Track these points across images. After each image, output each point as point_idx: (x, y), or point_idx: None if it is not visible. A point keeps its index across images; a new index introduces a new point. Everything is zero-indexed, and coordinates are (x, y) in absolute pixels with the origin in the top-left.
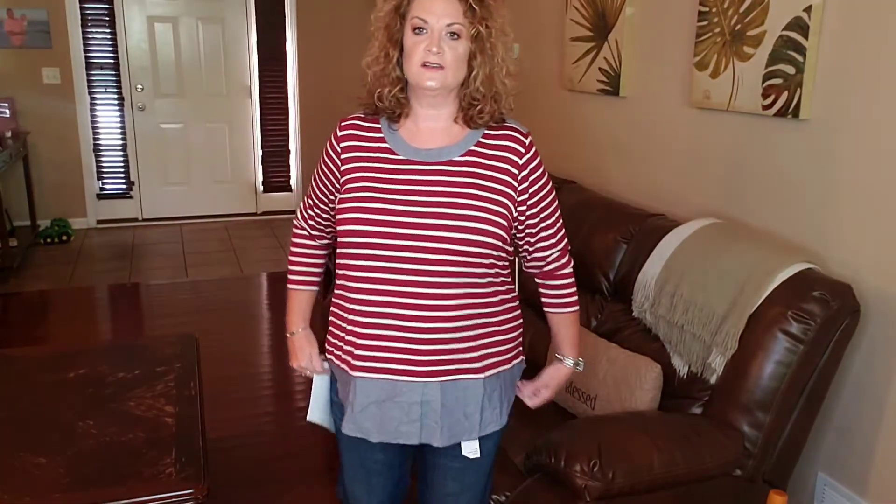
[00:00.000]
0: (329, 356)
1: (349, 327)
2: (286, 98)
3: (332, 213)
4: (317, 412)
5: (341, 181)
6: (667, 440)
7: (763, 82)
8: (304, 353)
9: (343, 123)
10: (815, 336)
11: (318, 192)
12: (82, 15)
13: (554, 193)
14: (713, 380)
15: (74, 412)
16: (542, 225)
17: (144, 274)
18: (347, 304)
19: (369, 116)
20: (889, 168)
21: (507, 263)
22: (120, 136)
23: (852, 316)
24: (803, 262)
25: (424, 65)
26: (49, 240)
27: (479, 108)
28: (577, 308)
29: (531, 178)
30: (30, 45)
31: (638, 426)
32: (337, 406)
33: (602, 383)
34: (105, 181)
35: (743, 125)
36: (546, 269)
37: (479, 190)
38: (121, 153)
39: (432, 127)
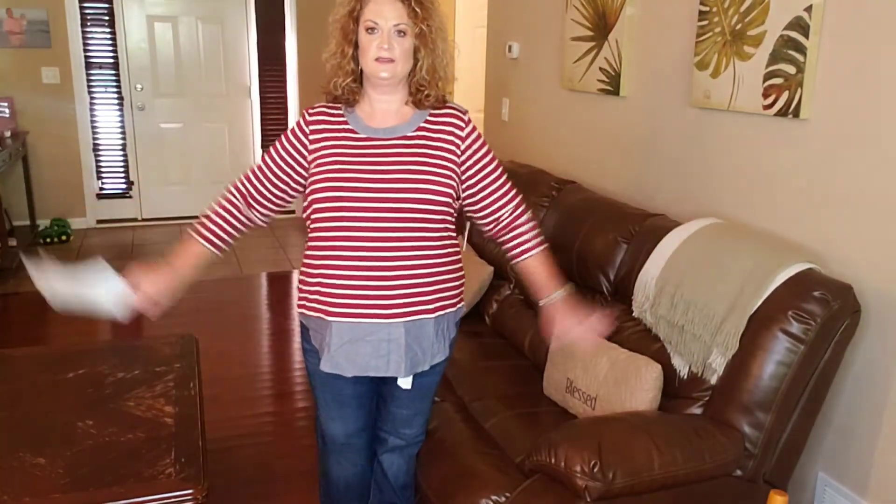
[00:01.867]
0: (302, 310)
1: (325, 280)
2: (286, 98)
3: (284, 191)
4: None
5: (309, 160)
6: (667, 440)
7: (763, 82)
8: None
9: (311, 110)
10: (816, 336)
11: (274, 168)
12: (82, 14)
13: (497, 161)
14: (713, 380)
15: (74, 412)
16: (492, 188)
17: None
18: (322, 262)
19: (332, 104)
20: (889, 168)
21: (453, 220)
22: (119, 136)
23: (853, 316)
24: (803, 262)
25: (378, 59)
26: (48, 240)
27: (425, 92)
28: (545, 245)
29: (473, 148)
30: (29, 44)
31: (638, 426)
32: (311, 353)
33: (602, 383)
34: (105, 181)
35: (743, 125)
36: (504, 222)
37: (429, 158)
38: (120, 153)
39: (386, 109)
